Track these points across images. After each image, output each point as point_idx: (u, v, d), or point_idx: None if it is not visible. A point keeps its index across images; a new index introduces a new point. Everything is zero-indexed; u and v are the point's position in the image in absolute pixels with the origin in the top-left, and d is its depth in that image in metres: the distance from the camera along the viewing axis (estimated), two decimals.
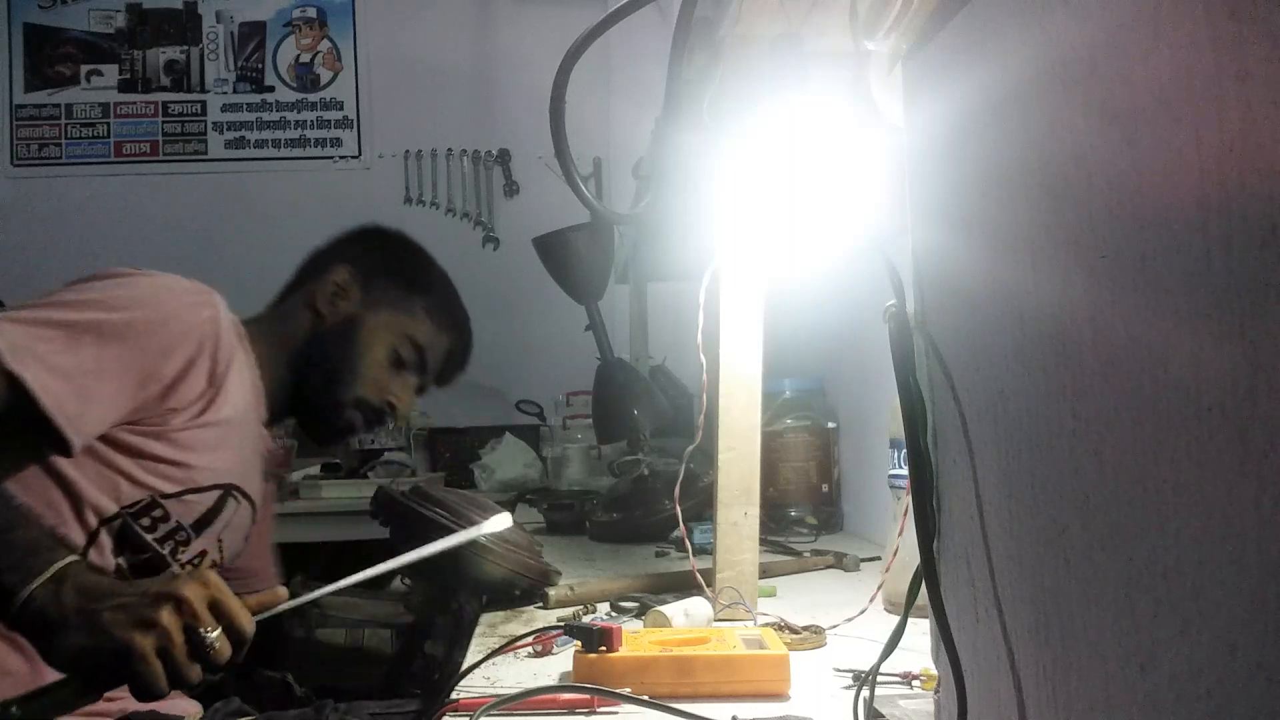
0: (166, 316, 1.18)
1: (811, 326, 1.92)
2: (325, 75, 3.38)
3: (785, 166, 0.94)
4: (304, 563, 2.48)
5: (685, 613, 1.10)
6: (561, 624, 1.01)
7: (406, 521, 1.27)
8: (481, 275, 3.28)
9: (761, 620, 1.14)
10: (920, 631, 0.66)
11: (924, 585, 0.63)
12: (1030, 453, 0.51)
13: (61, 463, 1.12)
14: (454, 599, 1.65)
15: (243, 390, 1.27)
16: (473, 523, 1.25)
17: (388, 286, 1.45)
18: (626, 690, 0.86)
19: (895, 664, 0.76)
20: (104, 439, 1.14)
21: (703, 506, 1.56)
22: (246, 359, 1.31)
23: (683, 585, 1.27)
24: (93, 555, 1.14)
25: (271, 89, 3.36)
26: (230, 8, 3.36)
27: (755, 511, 1.18)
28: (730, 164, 1.11)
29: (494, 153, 3.33)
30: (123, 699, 1.16)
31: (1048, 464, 0.49)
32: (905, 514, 1.11)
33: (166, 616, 0.86)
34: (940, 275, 0.63)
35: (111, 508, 1.15)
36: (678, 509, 1.21)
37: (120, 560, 1.17)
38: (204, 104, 3.38)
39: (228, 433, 1.23)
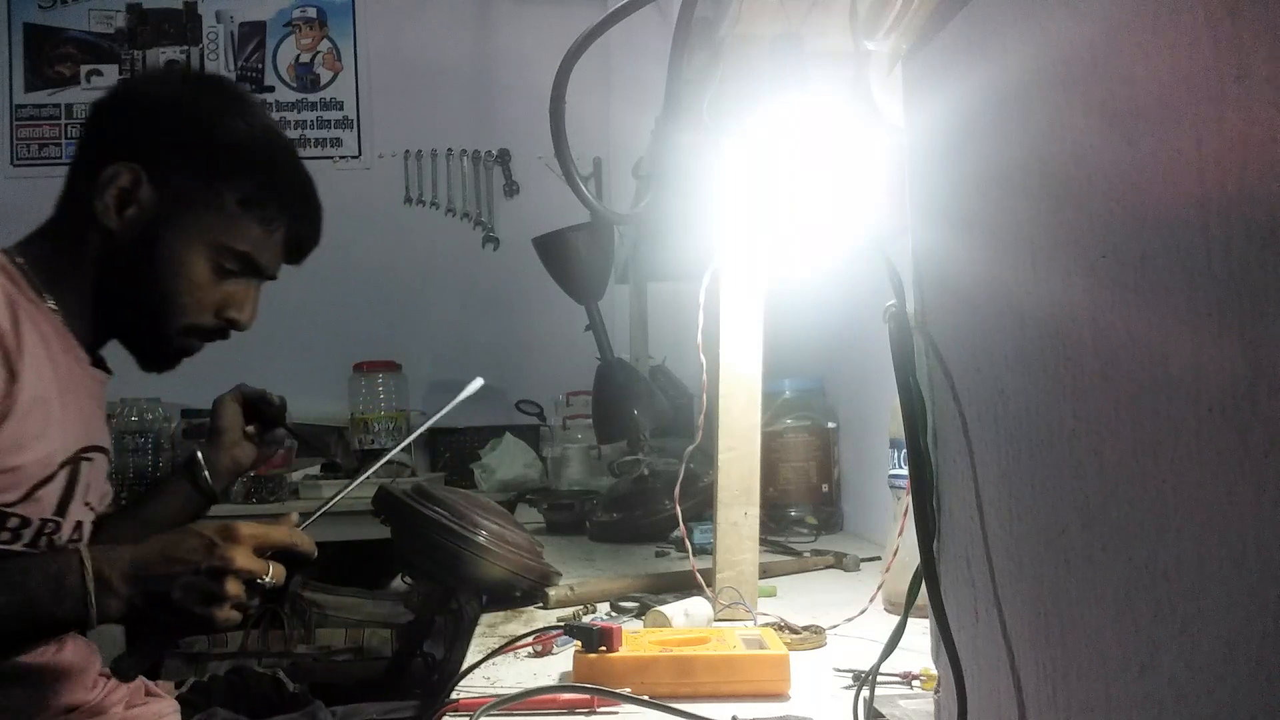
0: None
1: (811, 326, 1.92)
2: (325, 75, 3.37)
3: (785, 166, 0.94)
4: (303, 562, 2.48)
5: (685, 613, 1.10)
6: (561, 624, 1.01)
7: (408, 520, 1.27)
8: (481, 275, 3.29)
9: (761, 620, 1.14)
10: (920, 631, 0.66)
11: (924, 585, 0.63)
12: (1030, 453, 0.51)
13: None
14: (454, 599, 1.65)
15: (44, 352, 1.05)
16: (474, 523, 1.25)
17: (184, 179, 1.13)
18: (626, 690, 0.86)
19: (895, 664, 0.76)
20: None
21: (703, 506, 1.57)
22: (35, 310, 1.07)
23: (683, 585, 1.27)
24: None
25: (271, 89, 3.36)
26: (230, 8, 3.36)
27: (755, 511, 1.18)
28: (730, 164, 1.11)
29: (494, 153, 3.33)
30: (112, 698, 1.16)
31: (1048, 464, 0.49)
32: (905, 514, 1.11)
33: (233, 587, 0.97)
34: (940, 275, 0.63)
35: None
36: (678, 509, 1.21)
37: None
38: None
39: (46, 409, 1.04)
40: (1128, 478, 0.41)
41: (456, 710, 0.87)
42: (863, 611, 1.13)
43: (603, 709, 0.86)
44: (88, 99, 3.31)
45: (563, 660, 1.00)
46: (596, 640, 0.91)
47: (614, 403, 1.87)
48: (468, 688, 0.94)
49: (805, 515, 1.87)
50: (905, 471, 0.83)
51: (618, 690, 0.86)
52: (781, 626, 1.10)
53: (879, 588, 1.15)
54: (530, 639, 1.04)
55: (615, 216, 1.94)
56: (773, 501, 1.87)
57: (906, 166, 0.67)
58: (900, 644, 0.66)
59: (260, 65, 3.37)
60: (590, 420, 2.19)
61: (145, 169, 1.11)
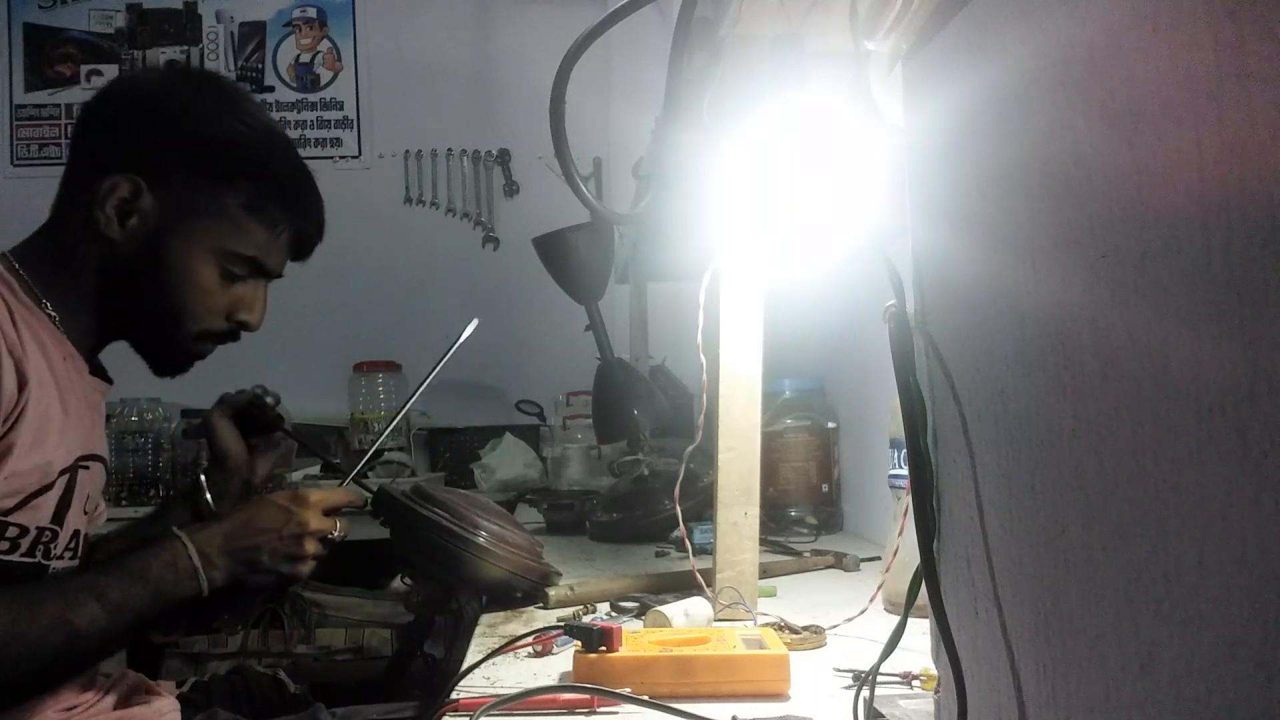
0: None
1: (811, 326, 1.92)
2: (325, 75, 3.37)
3: (785, 166, 0.94)
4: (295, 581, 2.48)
5: (685, 613, 1.10)
6: (561, 624, 1.01)
7: (407, 521, 1.27)
8: (481, 275, 3.28)
9: (761, 620, 1.14)
10: (920, 631, 0.66)
11: (924, 585, 0.63)
12: (1030, 453, 0.51)
13: None
14: (454, 599, 1.65)
15: (44, 359, 1.04)
16: (473, 524, 1.25)
17: (185, 186, 1.11)
18: (626, 690, 0.86)
19: (895, 664, 0.76)
20: None
21: (703, 506, 1.56)
22: (33, 317, 1.06)
23: (683, 585, 1.27)
24: None
25: (271, 89, 3.36)
26: (230, 8, 3.36)
27: (755, 511, 1.18)
28: (730, 164, 1.11)
29: (494, 153, 3.33)
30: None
31: (1048, 464, 0.49)
32: (905, 514, 1.11)
33: (311, 546, 1.13)
34: (940, 275, 0.63)
35: None
36: (678, 509, 1.21)
37: None
38: None
39: (48, 416, 1.03)
40: (1128, 478, 0.41)
41: (456, 710, 0.87)
42: (863, 611, 1.13)
43: (603, 709, 0.86)
44: (87, 99, 3.31)
45: (563, 660, 1.00)
46: (596, 640, 0.91)
47: (614, 403, 1.87)
48: (468, 688, 0.94)
49: (805, 515, 1.87)
50: (905, 471, 0.83)
51: (618, 690, 0.86)
52: (781, 626, 1.10)
53: (879, 588, 1.15)
54: (530, 639, 1.04)
55: (615, 216, 1.94)
56: (773, 501, 1.87)
57: (906, 166, 0.67)
58: (900, 644, 0.66)
59: (260, 65, 3.37)
60: (590, 420, 2.19)
61: (145, 178, 1.09)
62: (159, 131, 1.12)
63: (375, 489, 1.34)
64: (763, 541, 1.32)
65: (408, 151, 3.32)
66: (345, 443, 2.99)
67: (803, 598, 1.32)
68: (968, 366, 0.59)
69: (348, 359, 3.02)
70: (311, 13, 3.37)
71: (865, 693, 0.74)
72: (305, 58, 3.38)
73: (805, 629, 1.09)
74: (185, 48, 3.35)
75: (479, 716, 0.83)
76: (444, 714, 0.87)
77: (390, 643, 2.30)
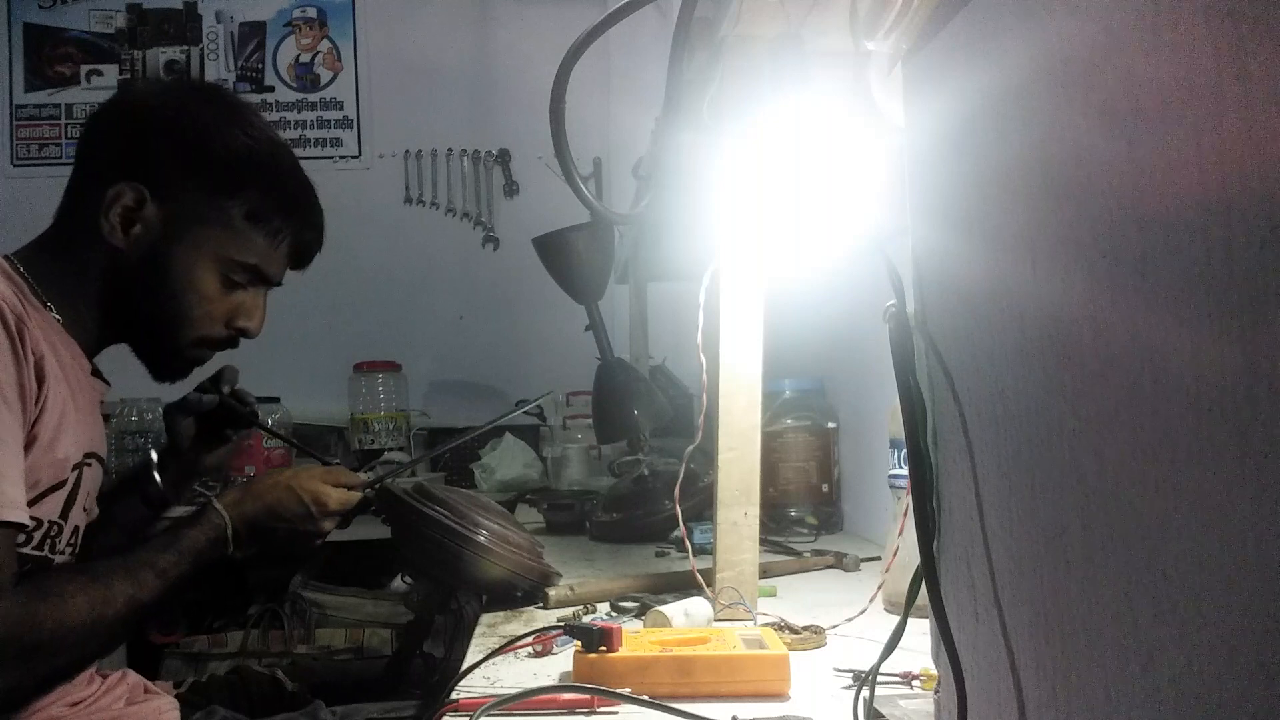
0: None
1: (811, 326, 1.92)
2: (325, 75, 3.37)
3: (785, 166, 0.94)
4: (296, 563, 2.48)
5: (685, 613, 1.10)
6: (561, 624, 1.01)
7: (408, 519, 1.27)
8: (481, 275, 3.28)
9: (761, 620, 1.14)
10: (920, 631, 0.66)
11: (924, 585, 0.63)
12: (1030, 453, 0.51)
13: None
14: (454, 598, 1.65)
15: (54, 358, 1.06)
16: (474, 523, 1.25)
17: (188, 195, 1.14)
18: (626, 690, 0.86)
19: (895, 664, 0.76)
20: None
21: (703, 506, 1.56)
22: (41, 317, 1.08)
23: (683, 585, 1.27)
24: None
25: (271, 89, 3.36)
26: (230, 8, 3.36)
27: (755, 511, 1.18)
28: (730, 164, 1.11)
29: (494, 153, 3.33)
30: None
31: (1048, 464, 0.49)
32: (905, 514, 1.11)
33: (329, 525, 1.27)
34: (940, 275, 0.63)
35: None
36: (678, 509, 1.21)
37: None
38: None
39: (64, 413, 1.06)
40: (1128, 478, 0.41)
41: (456, 710, 0.87)
42: (863, 611, 1.13)
43: (603, 709, 0.86)
44: (88, 99, 3.31)
45: (563, 660, 1.01)
46: (596, 640, 0.91)
47: (614, 403, 1.87)
48: (468, 688, 0.94)
49: (805, 515, 1.87)
50: (905, 471, 0.83)
51: (618, 690, 0.86)
52: (781, 626, 1.10)
53: (879, 588, 1.15)
54: (530, 639, 1.04)
55: (615, 216, 1.94)
56: (773, 501, 1.87)
57: (906, 166, 0.67)
58: (900, 644, 0.66)
59: (260, 65, 3.37)
60: (590, 420, 2.19)
61: (149, 187, 1.12)
62: (164, 142, 1.14)
63: (377, 486, 1.34)
64: (763, 541, 1.32)
65: (408, 151, 3.32)
66: (345, 443, 3.00)
67: (803, 598, 1.32)
68: (968, 366, 0.59)
69: (348, 359, 3.02)
70: (311, 13, 3.37)
71: (865, 693, 0.74)
72: (305, 58, 3.38)
73: (805, 629, 1.09)
74: (185, 48, 3.35)
75: (479, 716, 0.83)
76: (444, 714, 0.87)
77: (390, 643, 2.30)
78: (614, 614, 1.22)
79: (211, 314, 1.18)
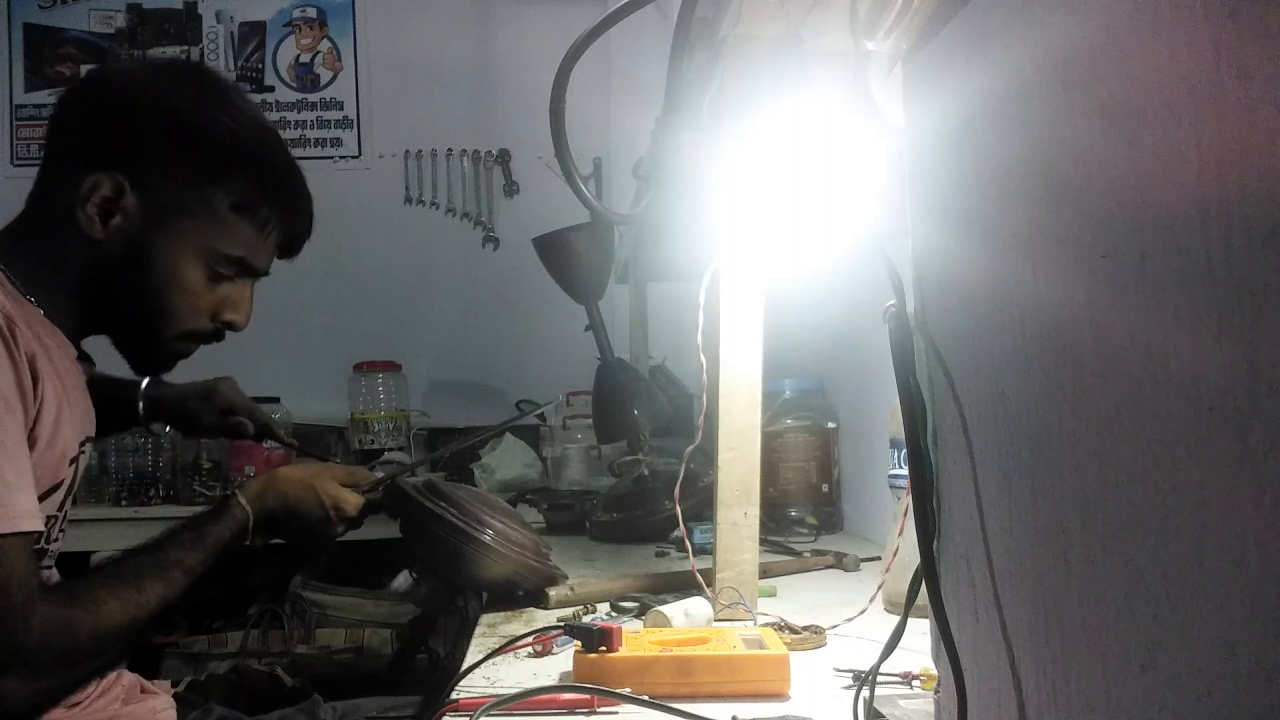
0: None
1: (811, 326, 1.92)
2: (325, 75, 3.37)
3: (785, 166, 0.94)
4: (304, 561, 2.48)
5: (685, 613, 1.10)
6: (561, 624, 1.01)
7: (415, 516, 1.27)
8: (481, 275, 3.28)
9: (761, 620, 1.14)
10: (920, 631, 0.66)
11: (924, 585, 0.63)
12: (1030, 453, 0.51)
13: None
14: (459, 595, 1.65)
15: (42, 350, 1.03)
16: (480, 522, 1.26)
17: (169, 184, 1.07)
18: (626, 690, 0.86)
19: (895, 664, 0.76)
20: None
21: (703, 506, 1.56)
22: (23, 309, 1.04)
23: (683, 585, 1.27)
24: None
25: (271, 89, 3.36)
26: (230, 8, 3.36)
27: (755, 511, 1.18)
28: (730, 164, 1.11)
29: (494, 153, 3.33)
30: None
31: (1048, 464, 0.49)
32: (905, 514, 1.11)
33: (343, 530, 1.27)
34: (940, 275, 0.63)
35: None
36: (678, 509, 1.21)
37: None
38: None
39: (59, 409, 1.03)
40: (1128, 478, 0.41)
41: (456, 710, 0.87)
42: (863, 611, 1.13)
43: (603, 709, 0.86)
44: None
45: (563, 660, 1.00)
46: (596, 640, 0.91)
47: (614, 403, 1.87)
48: (468, 687, 0.94)
49: (805, 515, 1.87)
50: (905, 471, 0.83)
51: (618, 690, 0.86)
52: (781, 626, 1.10)
53: (879, 588, 1.15)
54: (530, 639, 1.04)
55: (615, 216, 1.94)
56: (773, 501, 1.87)
57: (906, 166, 0.67)
58: (900, 644, 0.66)
59: (260, 65, 3.37)
60: (590, 420, 2.19)
61: (128, 176, 1.05)
62: (142, 127, 1.07)
63: (387, 482, 1.34)
64: (763, 541, 1.32)
65: (408, 151, 3.32)
66: (345, 443, 3.00)
67: (803, 598, 1.32)
68: (968, 366, 0.59)
69: (348, 359, 3.02)
70: (311, 13, 3.37)
71: (865, 693, 0.74)
72: (305, 58, 3.38)
73: (805, 629, 1.08)
74: (185, 48, 3.35)
75: (479, 716, 0.83)
76: (444, 714, 0.87)
77: (390, 643, 2.30)
78: (614, 614, 1.22)
79: (196, 307, 1.12)
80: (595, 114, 3.12)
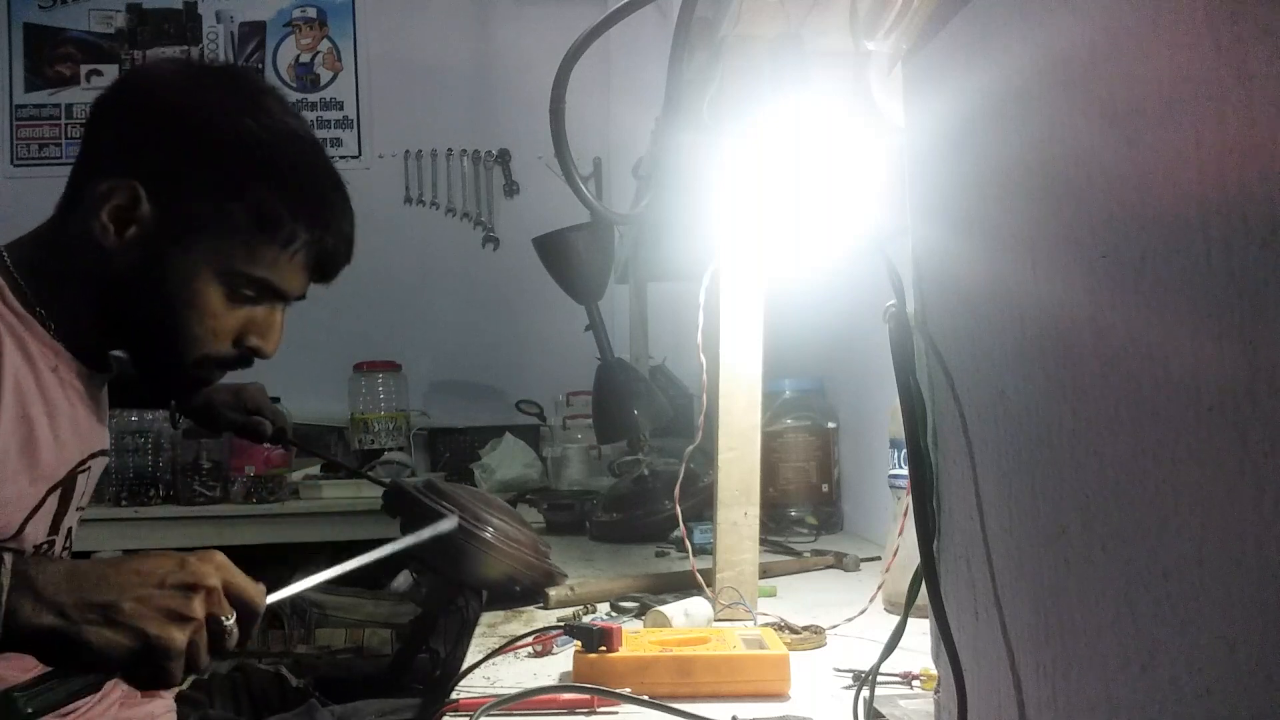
0: None
1: (811, 326, 1.92)
2: (325, 75, 3.37)
3: (785, 166, 0.94)
4: (304, 562, 2.48)
5: (685, 613, 1.10)
6: (561, 624, 1.01)
7: (416, 515, 1.27)
8: (481, 275, 3.28)
9: (761, 620, 1.14)
10: (920, 631, 0.66)
11: (924, 585, 0.63)
12: (1030, 453, 0.51)
13: None
14: (461, 594, 1.65)
15: (29, 371, 0.97)
16: (481, 520, 1.26)
17: (188, 194, 0.99)
18: (626, 690, 0.86)
19: (895, 664, 0.76)
20: None
21: (703, 506, 1.56)
22: (20, 324, 0.99)
23: (683, 585, 1.27)
24: None
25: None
26: (230, 8, 3.36)
27: (755, 511, 1.18)
28: (730, 164, 1.11)
29: (494, 153, 3.33)
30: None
31: (1048, 464, 0.49)
32: (905, 514, 1.11)
33: (198, 608, 0.80)
34: (940, 275, 0.63)
35: None
36: (678, 509, 1.21)
37: None
38: None
39: (32, 438, 0.96)
40: (1128, 478, 0.41)
41: (456, 710, 0.87)
42: (863, 611, 1.13)
43: (603, 709, 0.86)
44: (88, 99, 3.31)
45: (563, 660, 1.00)
46: (596, 640, 0.91)
47: (614, 403, 1.87)
48: (468, 688, 0.94)
49: (805, 515, 1.87)
50: (905, 471, 0.83)
51: (618, 690, 0.86)
52: (781, 626, 1.10)
53: (879, 588, 1.15)
54: (530, 639, 1.04)
55: (615, 216, 1.94)
56: (773, 501, 1.87)
57: (906, 166, 0.67)
58: (900, 644, 0.66)
59: (260, 65, 3.37)
60: (590, 420, 2.19)
61: (144, 184, 0.98)
62: (162, 131, 1.00)
63: (388, 483, 1.34)
64: (763, 541, 1.32)
65: (408, 151, 3.32)
66: (345, 443, 3.00)
67: (803, 598, 1.32)
68: (968, 366, 0.59)
69: (348, 359, 3.02)
70: (311, 13, 3.37)
71: (865, 693, 0.74)
72: (305, 58, 3.38)
73: (805, 629, 1.09)
74: (185, 48, 3.35)
75: (479, 716, 0.83)
76: (444, 714, 0.87)
77: (390, 643, 2.30)
78: (614, 614, 1.22)
79: (216, 330, 1.03)
80: (595, 114, 3.12)
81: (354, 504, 2.58)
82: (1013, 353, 0.52)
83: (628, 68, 3.01)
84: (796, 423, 1.92)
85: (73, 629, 0.78)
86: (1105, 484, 0.43)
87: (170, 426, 2.65)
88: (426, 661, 1.78)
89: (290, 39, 3.38)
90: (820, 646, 1.06)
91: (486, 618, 1.24)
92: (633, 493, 1.87)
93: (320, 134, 3.36)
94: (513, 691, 0.87)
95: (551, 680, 0.95)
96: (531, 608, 1.28)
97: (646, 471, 1.87)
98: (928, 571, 0.62)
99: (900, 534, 1.12)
